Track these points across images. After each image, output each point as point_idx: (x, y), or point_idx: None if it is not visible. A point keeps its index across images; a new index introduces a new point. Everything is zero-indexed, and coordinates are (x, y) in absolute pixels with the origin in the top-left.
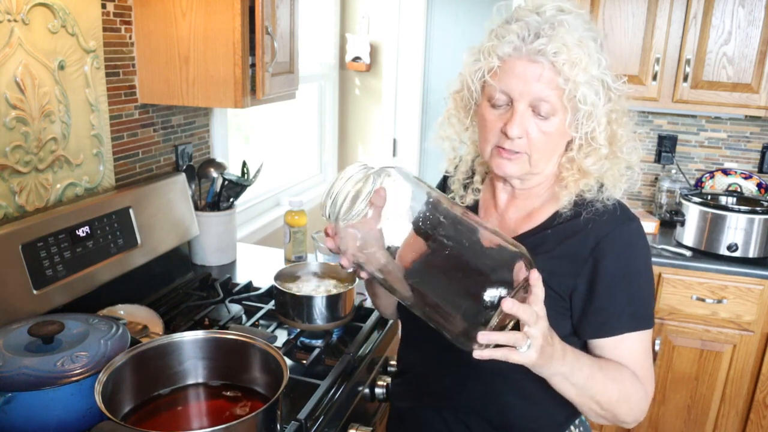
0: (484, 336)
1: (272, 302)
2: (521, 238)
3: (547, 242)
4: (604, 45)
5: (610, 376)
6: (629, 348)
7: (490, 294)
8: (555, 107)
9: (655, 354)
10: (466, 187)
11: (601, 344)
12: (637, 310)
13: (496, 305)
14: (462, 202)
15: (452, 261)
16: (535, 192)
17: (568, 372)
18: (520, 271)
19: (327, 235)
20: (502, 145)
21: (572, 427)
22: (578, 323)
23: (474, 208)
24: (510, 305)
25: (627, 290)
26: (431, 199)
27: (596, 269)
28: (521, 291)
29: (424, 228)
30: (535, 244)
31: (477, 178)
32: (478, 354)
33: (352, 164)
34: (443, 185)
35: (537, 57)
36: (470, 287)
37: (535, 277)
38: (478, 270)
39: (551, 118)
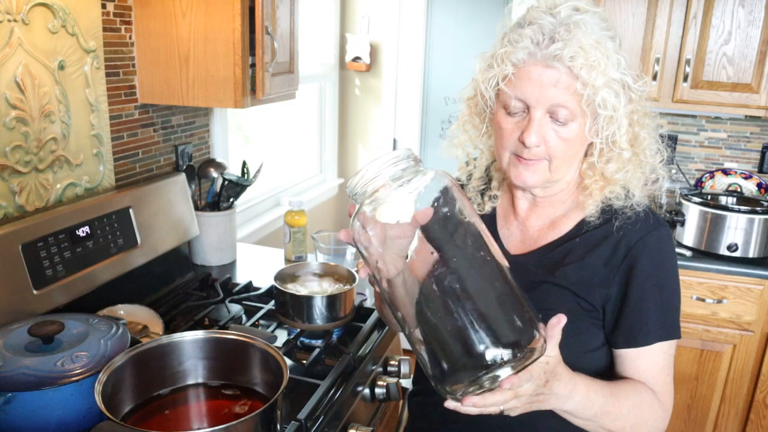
0: (469, 400)
1: (272, 302)
2: (547, 248)
3: (575, 251)
4: (622, 44)
5: (627, 404)
6: (651, 359)
7: (492, 354)
8: (573, 113)
9: None
10: (482, 193)
11: (626, 354)
12: (666, 319)
13: (490, 365)
14: (480, 211)
15: (467, 299)
16: (558, 199)
17: (573, 410)
18: (534, 341)
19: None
20: (519, 153)
21: None
22: (610, 333)
23: (492, 216)
24: (510, 384)
25: (658, 298)
26: (471, 226)
27: (629, 277)
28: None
29: (451, 254)
30: (562, 253)
31: (494, 184)
32: (452, 405)
33: (399, 149)
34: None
35: (553, 62)
36: (475, 337)
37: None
38: (490, 322)
39: (570, 123)
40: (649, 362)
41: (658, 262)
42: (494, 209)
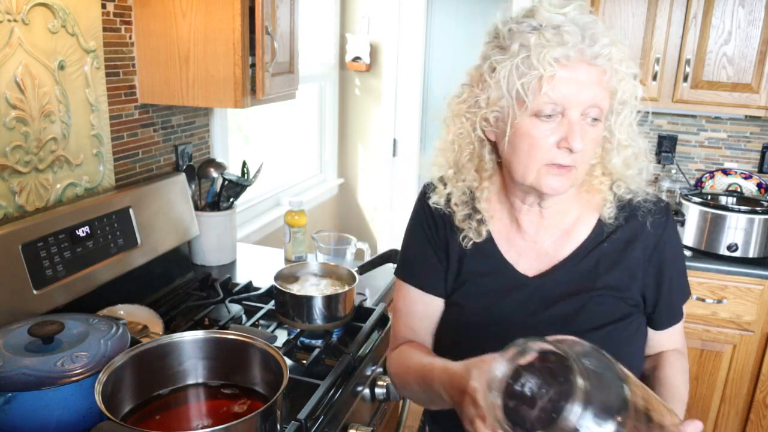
0: None
1: (272, 302)
2: (573, 259)
3: (607, 257)
4: None
5: (684, 391)
6: (680, 330)
7: None
8: (603, 111)
9: None
10: (467, 218)
11: (664, 331)
12: (687, 294)
13: None
14: (474, 238)
15: None
16: (564, 206)
17: None
18: None
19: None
20: (556, 161)
21: None
22: (651, 318)
23: (488, 241)
24: None
25: (682, 277)
26: None
27: (661, 265)
28: None
29: None
30: (594, 259)
31: (483, 205)
32: None
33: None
34: (437, 223)
35: (596, 60)
36: None
37: None
38: None
39: (599, 123)
40: (678, 329)
41: (677, 244)
42: (488, 233)
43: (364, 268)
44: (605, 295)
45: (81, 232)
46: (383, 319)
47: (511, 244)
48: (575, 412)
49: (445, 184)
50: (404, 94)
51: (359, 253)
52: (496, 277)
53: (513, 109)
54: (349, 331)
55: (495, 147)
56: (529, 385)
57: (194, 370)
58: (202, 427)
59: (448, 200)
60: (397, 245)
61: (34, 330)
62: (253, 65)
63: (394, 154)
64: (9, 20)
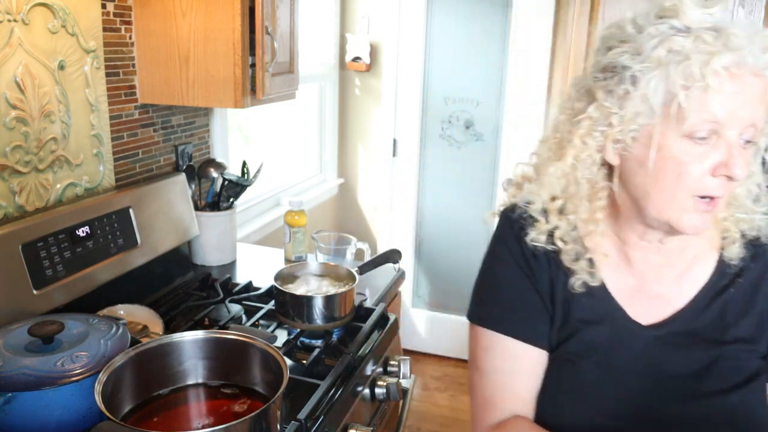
0: None
1: (272, 302)
2: (695, 310)
3: (735, 304)
4: None
5: None
6: None
7: None
8: (758, 132)
9: None
10: (577, 258)
11: None
12: None
13: None
14: (588, 283)
15: None
16: (684, 242)
17: None
18: None
19: None
20: (708, 192)
21: None
22: None
23: (600, 286)
24: None
25: None
26: None
27: None
28: None
29: None
30: (719, 311)
31: (596, 240)
32: None
33: None
34: (538, 261)
35: (765, 70)
36: None
37: None
38: None
39: (750, 146)
40: None
41: None
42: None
43: (364, 268)
44: (737, 350)
45: (81, 232)
46: (383, 319)
47: (620, 284)
48: None
49: (545, 217)
50: (404, 94)
51: (359, 253)
52: (606, 325)
53: (657, 128)
54: (349, 331)
55: (611, 172)
56: None
57: (194, 370)
58: (202, 427)
59: (550, 235)
60: (397, 245)
61: (34, 330)
62: (253, 65)
63: (394, 154)
64: (9, 20)
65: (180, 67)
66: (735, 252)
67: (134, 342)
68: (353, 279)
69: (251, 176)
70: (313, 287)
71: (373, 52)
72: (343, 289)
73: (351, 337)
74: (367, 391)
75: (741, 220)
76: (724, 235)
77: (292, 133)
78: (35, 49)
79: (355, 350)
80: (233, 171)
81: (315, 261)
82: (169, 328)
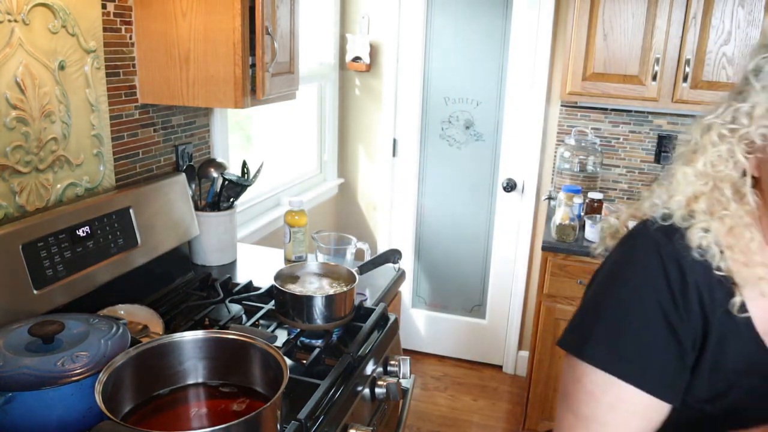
0: None
1: (272, 302)
2: None
3: None
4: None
5: None
6: None
7: None
8: None
9: None
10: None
11: None
12: None
13: None
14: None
15: None
16: None
17: None
18: None
19: None
20: None
21: None
22: None
23: (744, 321)
24: None
25: None
26: None
27: None
28: None
29: None
30: None
31: (744, 272)
32: None
33: None
34: (687, 292)
35: None
36: None
37: None
38: None
39: None
40: None
41: None
42: (744, 306)
43: (364, 268)
44: None
45: (81, 232)
46: (383, 319)
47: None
48: None
49: (692, 221)
50: (404, 94)
51: (359, 253)
52: (759, 374)
53: None
54: (349, 331)
55: (758, 184)
56: None
57: (194, 370)
58: (202, 427)
59: (703, 258)
60: (397, 245)
61: (35, 330)
62: (253, 65)
63: (394, 154)
64: (9, 20)
65: (180, 67)
66: None
67: (134, 342)
68: (353, 279)
69: (251, 176)
70: (313, 287)
71: (373, 52)
72: (343, 289)
73: (351, 337)
74: (367, 391)
75: None
76: None
77: (292, 133)
78: (36, 49)
79: (355, 350)
80: (233, 171)
81: (315, 261)
82: (169, 328)
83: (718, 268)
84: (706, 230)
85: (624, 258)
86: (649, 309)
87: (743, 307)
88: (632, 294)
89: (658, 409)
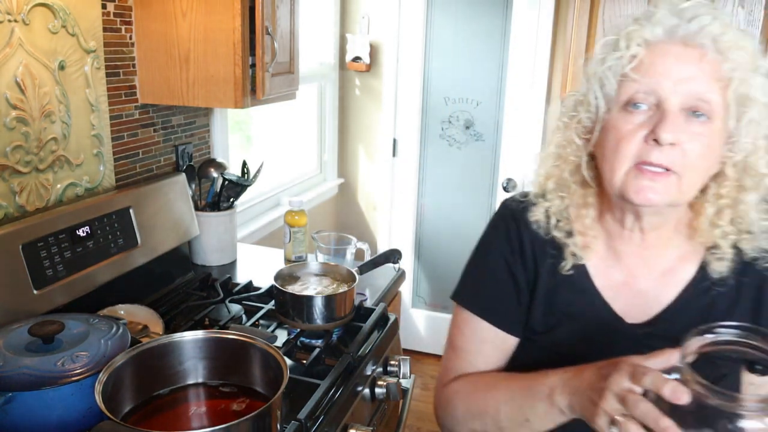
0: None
1: (272, 302)
2: (675, 310)
3: (717, 308)
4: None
5: None
6: None
7: None
8: (715, 108)
9: None
10: (557, 244)
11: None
12: None
13: None
14: (576, 261)
15: None
16: (668, 237)
17: None
18: None
19: None
20: (646, 158)
21: None
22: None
23: (581, 273)
24: None
25: None
26: None
27: (759, 310)
28: None
29: None
30: (699, 314)
31: (578, 239)
32: None
33: None
34: (523, 251)
35: (697, 39)
36: None
37: None
38: None
39: (709, 122)
40: None
41: None
42: (583, 266)
43: (364, 268)
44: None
45: (81, 232)
46: (383, 319)
47: (606, 278)
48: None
49: (543, 198)
50: (404, 94)
51: (359, 253)
52: (591, 318)
53: (601, 104)
54: (349, 331)
55: (595, 161)
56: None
57: (194, 370)
58: (202, 427)
59: (548, 216)
60: (397, 245)
61: (35, 330)
62: (253, 65)
63: (394, 154)
64: (9, 20)
65: (180, 67)
66: (719, 267)
67: (134, 342)
68: (353, 279)
69: (251, 176)
70: (313, 287)
71: (373, 52)
72: (343, 289)
73: (351, 337)
74: (367, 391)
75: (744, 239)
76: (713, 248)
77: (292, 133)
78: (36, 49)
79: (355, 350)
80: (233, 171)
81: (315, 261)
82: (169, 328)
83: (552, 235)
84: (548, 207)
85: (487, 226)
86: (498, 261)
87: (579, 268)
88: (486, 250)
89: (506, 339)
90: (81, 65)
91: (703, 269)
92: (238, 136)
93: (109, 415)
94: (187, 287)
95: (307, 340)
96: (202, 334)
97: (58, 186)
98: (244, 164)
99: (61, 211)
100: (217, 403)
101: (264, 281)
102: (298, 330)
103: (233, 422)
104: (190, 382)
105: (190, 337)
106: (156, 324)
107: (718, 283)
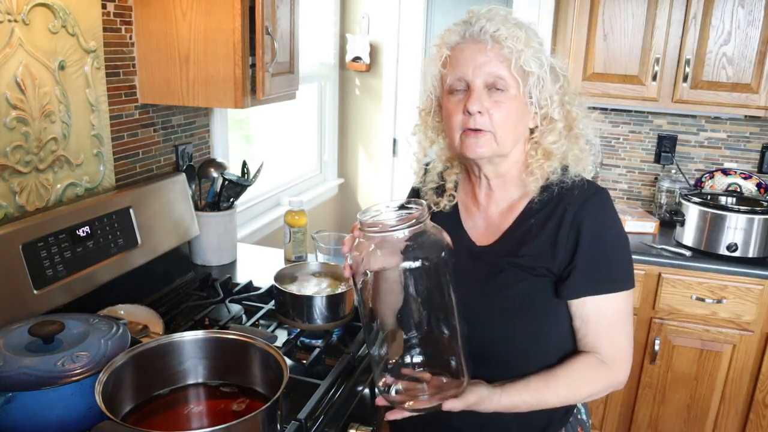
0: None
1: (272, 302)
2: (509, 233)
3: (533, 230)
4: (545, 48)
5: (561, 384)
6: (598, 314)
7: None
8: (507, 81)
9: (654, 354)
10: (439, 194)
11: (578, 314)
12: (610, 274)
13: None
14: (439, 208)
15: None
16: (509, 181)
17: (504, 410)
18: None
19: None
20: (466, 125)
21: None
22: (559, 288)
23: (455, 212)
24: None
25: (600, 255)
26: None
27: (577, 239)
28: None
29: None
30: (521, 235)
31: (450, 185)
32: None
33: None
34: (416, 197)
35: (480, 37)
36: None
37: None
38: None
39: (506, 91)
40: (606, 334)
41: (600, 222)
42: (456, 207)
43: None
44: (527, 259)
45: (81, 232)
46: None
47: (468, 215)
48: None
49: (426, 171)
50: (404, 94)
51: None
52: (459, 245)
53: (438, 93)
54: (349, 331)
55: None
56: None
57: (194, 370)
58: (202, 427)
59: (423, 181)
60: None
61: (35, 330)
62: (253, 65)
63: (394, 154)
64: (9, 20)
65: (180, 67)
66: (533, 189)
67: (134, 342)
68: None
69: (251, 176)
70: (313, 287)
71: (373, 52)
72: (343, 289)
73: (351, 337)
74: (367, 391)
75: (545, 164)
76: (530, 178)
77: (292, 133)
78: (36, 49)
79: (355, 350)
80: (233, 171)
81: (315, 261)
82: (169, 328)
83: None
84: (441, 179)
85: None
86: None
87: (456, 222)
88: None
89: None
90: (81, 65)
91: (531, 202)
92: (238, 136)
93: (109, 415)
94: (187, 287)
95: (307, 340)
96: (202, 334)
97: (58, 186)
98: (244, 164)
99: (61, 211)
100: (217, 403)
101: (264, 281)
102: (298, 330)
103: (233, 422)
104: (190, 382)
105: (190, 337)
106: (156, 324)
107: (538, 211)
